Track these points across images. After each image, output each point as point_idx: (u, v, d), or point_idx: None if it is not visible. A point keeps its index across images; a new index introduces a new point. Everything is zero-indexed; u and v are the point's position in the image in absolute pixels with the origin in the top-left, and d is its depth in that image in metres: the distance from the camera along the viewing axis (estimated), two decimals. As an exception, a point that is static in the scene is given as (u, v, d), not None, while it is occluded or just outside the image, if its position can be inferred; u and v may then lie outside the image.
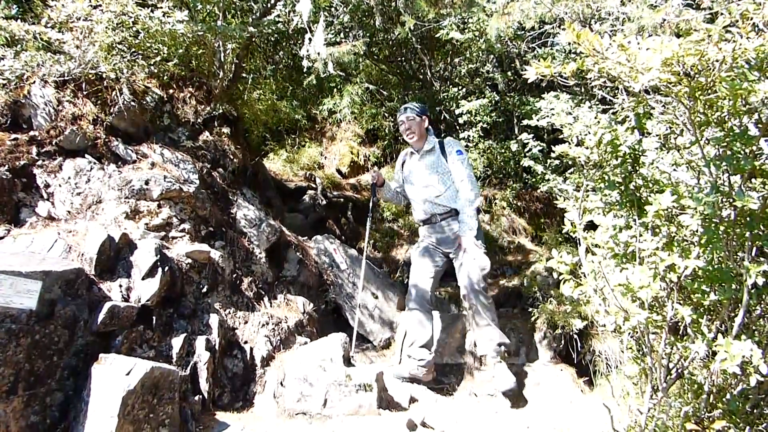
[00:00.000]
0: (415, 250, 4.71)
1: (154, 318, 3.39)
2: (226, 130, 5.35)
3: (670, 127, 2.76)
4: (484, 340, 4.18)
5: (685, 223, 2.05)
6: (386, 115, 9.53)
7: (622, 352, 3.57)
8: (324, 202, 7.52)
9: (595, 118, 2.50)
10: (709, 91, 2.07)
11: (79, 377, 2.84)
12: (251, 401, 3.69)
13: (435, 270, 4.51)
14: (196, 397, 3.26)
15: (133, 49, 4.46)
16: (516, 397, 3.92)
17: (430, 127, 4.68)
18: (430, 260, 4.53)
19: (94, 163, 3.97)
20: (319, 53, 4.75)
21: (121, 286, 3.33)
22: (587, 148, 2.50)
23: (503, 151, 7.67)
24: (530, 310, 5.32)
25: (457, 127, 8.10)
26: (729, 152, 2.10)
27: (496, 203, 8.12)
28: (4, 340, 2.57)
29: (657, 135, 2.79)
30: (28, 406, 2.65)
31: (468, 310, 4.30)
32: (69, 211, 3.75)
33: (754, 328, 2.37)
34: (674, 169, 2.72)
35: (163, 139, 4.56)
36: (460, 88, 8.18)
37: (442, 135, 7.79)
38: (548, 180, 6.52)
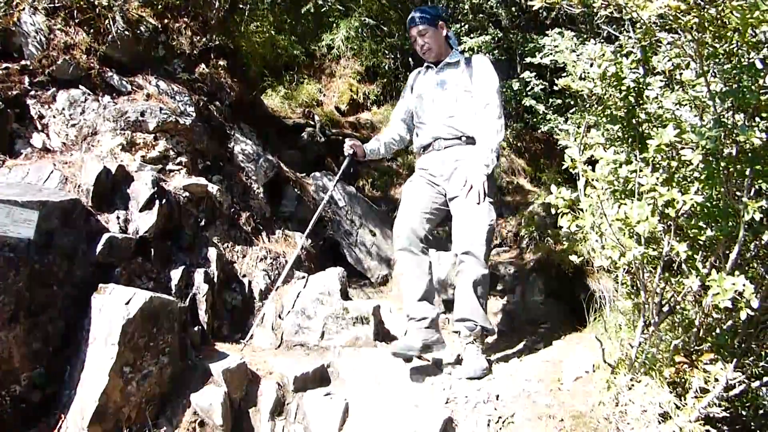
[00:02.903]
0: (407, 186, 3.66)
1: (152, 250, 3.40)
2: (222, 63, 5.24)
3: (675, 64, 2.71)
4: (460, 316, 3.21)
5: (687, 158, 2.04)
6: (386, 51, 9.33)
7: (616, 290, 3.63)
8: (323, 139, 7.45)
9: (600, 50, 2.44)
10: (719, 22, 2.01)
11: (79, 306, 2.87)
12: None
13: (431, 205, 3.45)
14: (196, 328, 3.31)
15: (126, -25, 4.32)
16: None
17: (450, 34, 3.67)
18: (423, 195, 3.48)
19: (89, 94, 3.89)
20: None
21: (118, 218, 3.33)
22: (591, 81, 2.45)
23: (505, 89, 7.54)
24: (526, 249, 5.37)
25: (459, 65, 7.95)
26: (735, 86, 2.06)
27: (496, 143, 8.06)
28: (3, 268, 2.58)
29: (662, 71, 2.74)
30: (30, 333, 2.68)
31: (455, 274, 3.32)
32: (64, 143, 3.71)
33: (747, 266, 2.39)
34: (677, 108, 2.69)
35: (158, 70, 4.45)
36: (462, 24, 7.98)
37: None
38: (549, 120, 6.46)
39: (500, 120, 3.35)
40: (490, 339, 3.27)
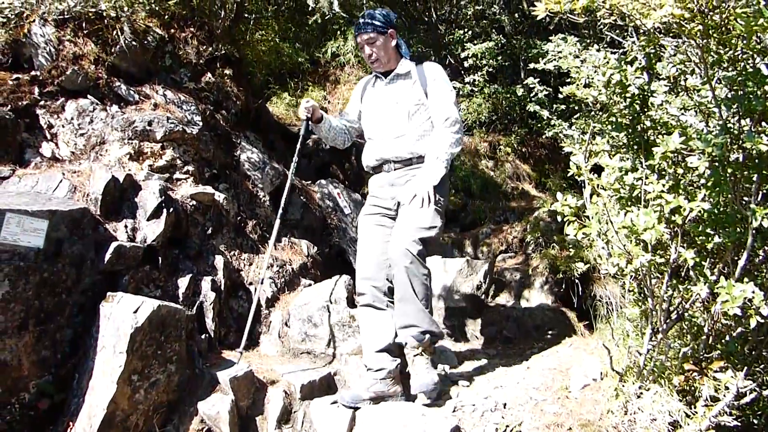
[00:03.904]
0: (361, 221, 3.37)
1: (159, 258, 3.42)
2: (228, 71, 5.26)
3: (680, 70, 2.71)
4: (404, 323, 2.98)
5: (693, 165, 2.04)
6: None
7: (623, 296, 3.62)
8: (328, 146, 7.47)
9: (605, 58, 2.44)
10: (723, 29, 2.01)
11: (87, 315, 2.89)
12: (256, 341, 3.76)
13: (388, 245, 3.14)
14: (203, 336, 3.32)
15: (133, -13, 4.35)
16: (435, 395, 2.92)
17: (401, 43, 3.37)
18: (379, 236, 3.22)
19: (97, 104, 3.92)
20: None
21: (126, 226, 3.35)
22: (595, 88, 2.46)
23: (509, 95, 7.57)
24: (532, 255, 5.36)
25: (462, 72, 7.97)
26: (741, 92, 2.06)
27: (500, 149, 8.07)
28: (13, 276, 2.61)
29: (667, 77, 2.74)
30: (39, 341, 2.70)
31: (393, 281, 3.04)
32: (73, 152, 3.74)
33: (756, 272, 2.38)
34: (683, 113, 2.69)
35: (165, 79, 4.49)
36: (465, 30, 8.02)
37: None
38: (554, 125, 6.46)
39: (457, 134, 3.11)
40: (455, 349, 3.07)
